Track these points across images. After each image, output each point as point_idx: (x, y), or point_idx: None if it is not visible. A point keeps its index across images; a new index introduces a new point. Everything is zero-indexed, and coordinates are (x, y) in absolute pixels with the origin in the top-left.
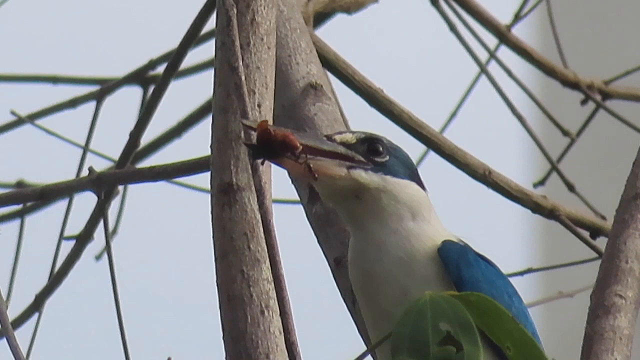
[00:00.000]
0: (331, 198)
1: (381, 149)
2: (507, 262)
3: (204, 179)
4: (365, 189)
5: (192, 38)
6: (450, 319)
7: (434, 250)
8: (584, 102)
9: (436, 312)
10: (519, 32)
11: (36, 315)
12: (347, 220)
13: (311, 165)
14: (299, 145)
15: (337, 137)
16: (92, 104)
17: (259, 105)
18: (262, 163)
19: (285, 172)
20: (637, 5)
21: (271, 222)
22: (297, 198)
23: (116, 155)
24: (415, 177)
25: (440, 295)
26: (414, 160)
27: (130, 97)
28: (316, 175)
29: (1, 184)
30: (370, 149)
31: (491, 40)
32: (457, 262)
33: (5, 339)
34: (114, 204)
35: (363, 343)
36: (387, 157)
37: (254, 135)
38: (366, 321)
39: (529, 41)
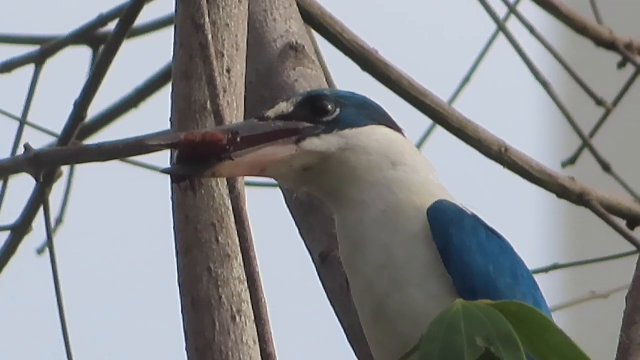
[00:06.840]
0: (297, 185)
1: (327, 104)
2: (529, 258)
3: (163, 159)
4: (327, 157)
5: None
6: (489, 333)
7: (424, 202)
8: (621, 65)
9: (472, 325)
10: None
11: None
12: (324, 199)
13: (252, 159)
14: (222, 137)
15: (270, 113)
16: (30, 69)
17: (228, 70)
18: (192, 186)
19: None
20: None
21: (244, 211)
22: (274, 181)
23: (59, 130)
24: (382, 119)
25: (474, 304)
26: (416, 136)
27: (76, 60)
28: (264, 168)
29: None
30: (314, 109)
31: None
32: (446, 225)
33: None
34: (57, 189)
35: (353, 354)
36: (338, 110)
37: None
38: (357, 309)
39: None
